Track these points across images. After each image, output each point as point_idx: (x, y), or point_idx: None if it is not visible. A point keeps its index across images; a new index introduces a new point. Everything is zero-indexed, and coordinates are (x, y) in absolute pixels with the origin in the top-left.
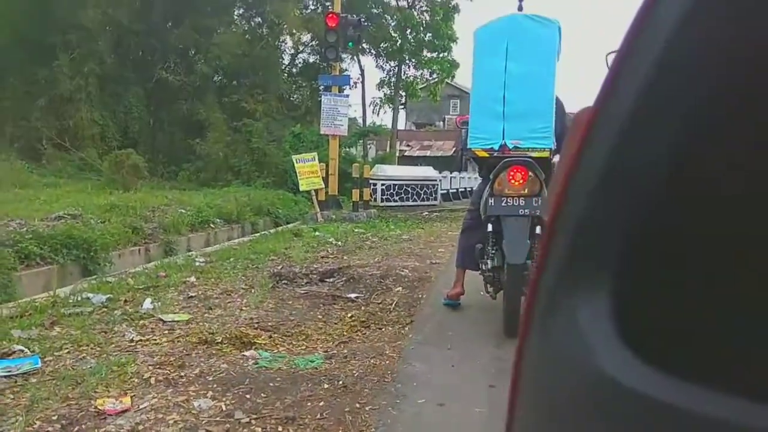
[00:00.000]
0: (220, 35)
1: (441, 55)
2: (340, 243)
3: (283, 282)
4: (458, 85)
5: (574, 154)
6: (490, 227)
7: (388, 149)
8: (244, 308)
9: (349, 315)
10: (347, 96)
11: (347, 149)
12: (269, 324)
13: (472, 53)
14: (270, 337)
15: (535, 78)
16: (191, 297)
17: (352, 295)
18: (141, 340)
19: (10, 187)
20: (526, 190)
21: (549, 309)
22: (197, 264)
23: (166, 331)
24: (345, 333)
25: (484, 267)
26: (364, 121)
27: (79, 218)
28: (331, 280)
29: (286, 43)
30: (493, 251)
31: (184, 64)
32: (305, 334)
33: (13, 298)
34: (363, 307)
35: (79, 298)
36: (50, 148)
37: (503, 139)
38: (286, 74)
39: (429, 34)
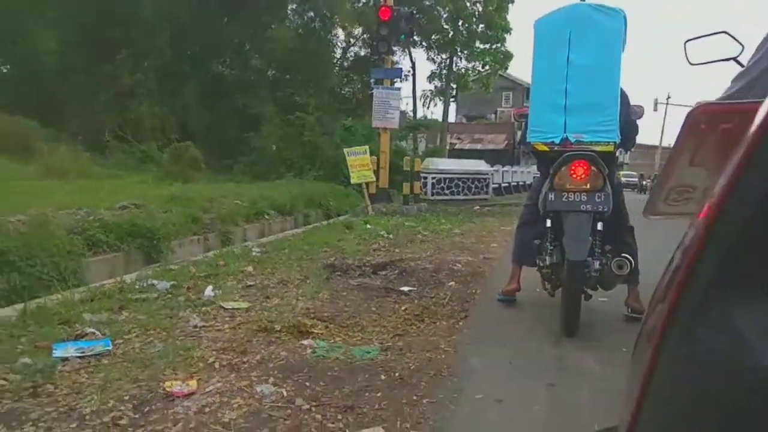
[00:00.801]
0: (273, 30)
1: (494, 46)
2: (391, 236)
3: (336, 273)
4: (511, 77)
5: (741, 163)
6: (548, 223)
7: (438, 142)
8: (300, 298)
9: (403, 308)
10: (399, 89)
11: (398, 142)
12: (325, 314)
13: (532, 45)
14: (326, 327)
15: (599, 70)
16: (249, 286)
17: (405, 289)
18: (204, 326)
19: (76, 177)
20: (588, 185)
21: (699, 309)
22: (254, 254)
23: (228, 318)
24: (399, 326)
25: (541, 263)
26: (415, 114)
27: (143, 208)
28: (384, 272)
29: (337, 37)
30: (552, 247)
31: (239, 59)
32: (360, 325)
33: (83, 283)
34: (416, 301)
35: (145, 285)
36: (112, 140)
37: (564, 132)
38: (337, 68)
39: (482, 25)
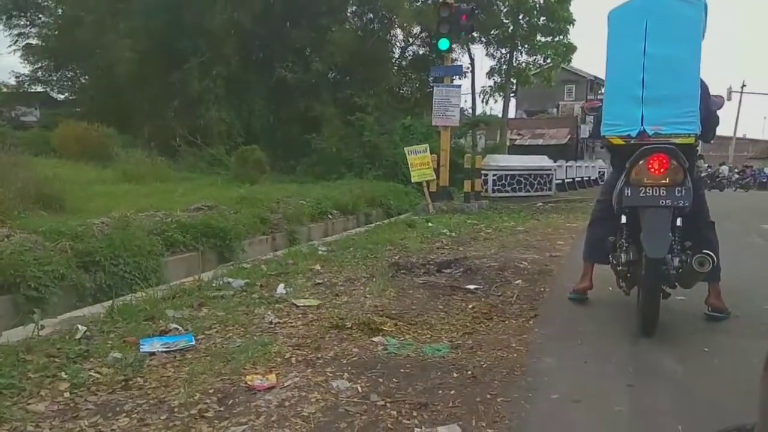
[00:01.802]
0: (334, 33)
1: (556, 39)
2: (453, 234)
3: (401, 271)
4: (574, 69)
5: None
6: (624, 219)
7: (498, 139)
8: (367, 296)
9: (470, 306)
10: (459, 86)
11: (457, 140)
12: (393, 312)
13: (606, 36)
14: (395, 324)
15: (678, 60)
16: (318, 284)
17: (471, 287)
18: (279, 323)
19: (152, 181)
20: (667, 180)
21: None
22: (320, 253)
23: (300, 315)
24: (468, 324)
25: (616, 261)
26: (474, 110)
27: (215, 209)
28: (449, 270)
29: (396, 37)
30: (627, 244)
31: (301, 62)
32: (428, 323)
33: (162, 281)
34: (483, 299)
35: (221, 283)
36: (183, 145)
37: (642, 125)
38: (396, 67)
39: (543, 18)
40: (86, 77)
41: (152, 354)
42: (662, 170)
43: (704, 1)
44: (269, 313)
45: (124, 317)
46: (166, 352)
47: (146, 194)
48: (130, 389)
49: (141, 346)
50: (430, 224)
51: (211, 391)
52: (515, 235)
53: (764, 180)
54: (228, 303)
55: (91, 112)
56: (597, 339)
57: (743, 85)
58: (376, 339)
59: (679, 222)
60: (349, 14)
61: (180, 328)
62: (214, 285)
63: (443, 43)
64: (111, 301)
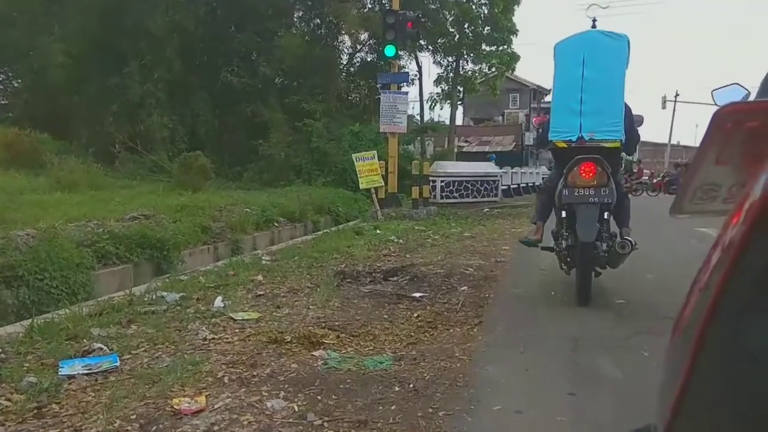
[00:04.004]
0: (281, 38)
1: (500, 48)
2: (401, 241)
3: (347, 281)
4: (518, 78)
5: None
6: (564, 214)
7: (446, 145)
8: (310, 307)
9: (415, 315)
10: (406, 93)
11: (405, 146)
12: (336, 323)
13: (553, 63)
14: (338, 336)
15: (607, 82)
16: (259, 295)
17: (417, 295)
18: (213, 339)
19: (87, 189)
20: (595, 182)
21: (741, 310)
22: (263, 262)
23: (237, 330)
24: (412, 334)
25: (558, 248)
26: (422, 117)
27: (152, 218)
28: (395, 278)
29: (344, 43)
30: (567, 233)
31: (248, 67)
32: (372, 334)
33: (92, 296)
34: (428, 307)
35: (154, 297)
36: (123, 151)
37: (580, 132)
38: (344, 74)
39: (488, 28)
40: (19, 81)
41: (72, 377)
42: (591, 175)
43: (627, 38)
44: (204, 328)
45: (45, 337)
46: (87, 374)
47: (80, 203)
48: (43, 417)
49: (60, 369)
50: (378, 231)
51: (133, 416)
52: (462, 241)
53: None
54: (160, 319)
55: (25, 117)
56: (539, 345)
57: (677, 95)
58: (316, 353)
59: (606, 215)
60: (295, 19)
61: (104, 347)
62: (146, 299)
63: (389, 50)
64: (31, 319)
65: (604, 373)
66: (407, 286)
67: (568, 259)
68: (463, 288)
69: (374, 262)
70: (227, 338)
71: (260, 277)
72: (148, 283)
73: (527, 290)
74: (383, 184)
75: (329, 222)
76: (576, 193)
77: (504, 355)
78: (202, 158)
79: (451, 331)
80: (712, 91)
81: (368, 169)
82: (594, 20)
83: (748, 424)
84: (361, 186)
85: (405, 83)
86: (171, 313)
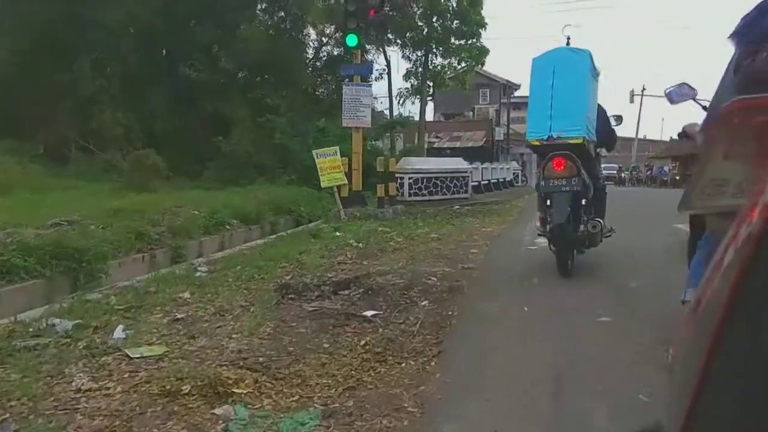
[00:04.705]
0: (243, 31)
1: (469, 42)
2: (361, 245)
3: (289, 296)
4: (488, 74)
5: None
6: (548, 202)
7: (416, 141)
8: (234, 335)
9: (362, 342)
10: (370, 85)
11: (373, 142)
12: (260, 359)
13: (530, 74)
14: (256, 381)
15: (572, 89)
16: (177, 320)
17: (369, 313)
18: (90, 390)
19: (23, 191)
20: (566, 174)
21: (757, 308)
22: (198, 274)
23: (127, 375)
24: (353, 372)
25: (543, 230)
26: (391, 113)
27: (78, 225)
28: (346, 292)
29: (309, 37)
30: (550, 218)
31: (208, 61)
32: (302, 374)
33: None
34: (381, 329)
35: (43, 325)
36: (75, 150)
37: (550, 132)
38: (310, 68)
39: (456, 21)
40: None
41: None
42: (562, 168)
43: (589, 53)
44: (83, 374)
45: None
46: None
47: (6, 208)
48: None
49: None
50: (337, 233)
51: None
52: (427, 243)
53: (664, 178)
54: (37, 358)
55: None
56: (509, 387)
57: (643, 89)
58: (219, 410)
59: (583, 202)
60: (258, 11)
61: None
62: (31, 330)
63: (351, 39)
64: None
65: (594, 425)
66: (359, 302)
67: (550, 240)
68: (423, 303)
69: (326, 272)
70: (109, 388)
71: (187, 295)
72: (48, 305)
73: (496, 305)
74: (346, 182)
75: (290, 223)
76: (551, 184)
77: (465, 405)
78: (154, 156)
79: (404, 365)
80: (665, 91)
81: (330, 166)
82: (568, 38)
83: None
84: (323, 184)
85: (369, 75)
86: (54, 349)
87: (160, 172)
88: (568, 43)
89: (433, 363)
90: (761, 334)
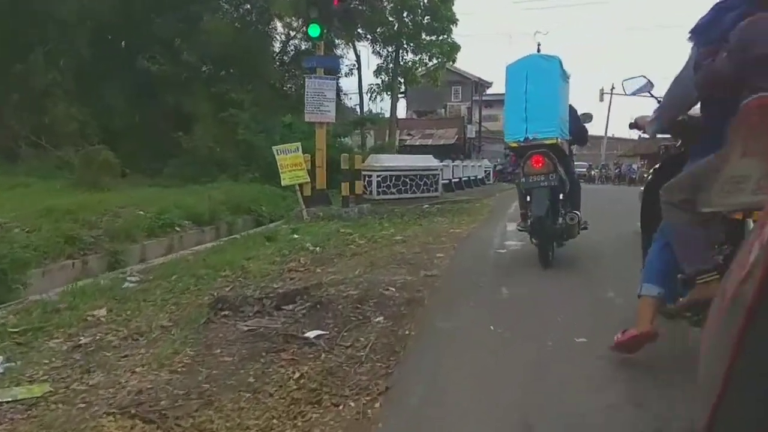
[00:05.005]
0: (206, 23)
1: (441, 38)
2: (318, 249)
3: (223, 313)
4: (460, 71)
5: None
6: (528, 198)
7: (387, 138)
8: (140, 368)
9: (297, 375)
10: (334, 79)
11: (341, 139)
12: (161, 403)
13: (505, 81)
14: None
15: (544, 94)
16: (78, 346)
17: (313, 335)
18: None
19: None
20: (544, 170)
21: None
22: (126, 285)
23: None
24: (276, 420)
25: (524, 225)
26: (362, 109)
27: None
28: (291, 307)
29: (276, 30)
30: (530, 213)
31: (169, 54)
32: (205, 428)
33: None
34: (323, 355)
35: None
36: (26, 146)
37: (526, 133)
38: (278, 63)
39: (427, 17)
40: None
41: None
42: (540, 165)
43: (558, 59)
44: None
45: None
46: None
47: None
48: None
49: None
50: (295, 236)
51: None
52: (391, 246)
53: (633, 176)
54: None
55: None
56: None
57: (613, 88)
58: None
59: (561, 197)
60: (223, 3)
61: None
62: None
63: (314, 30)
64: None
65: None
66: (304, 319)
67: (531, 233)
68: (378, 319)
69: (273, 281)
70: None
71: (102, 312)
72: None
73: (458, 323)
74: (309, 180)
75: (249, 224)
76: (531, 180)
77: None
78: (106, 152)
79: (341, 408)
80: (622, 81)
81: (292, 164)
82: (539, 44)
83: None
84: (284, 182)
85: (335, 68)
86: None
87: (113, 169)
88: (538, 50)
89: (377, 405)
90: None
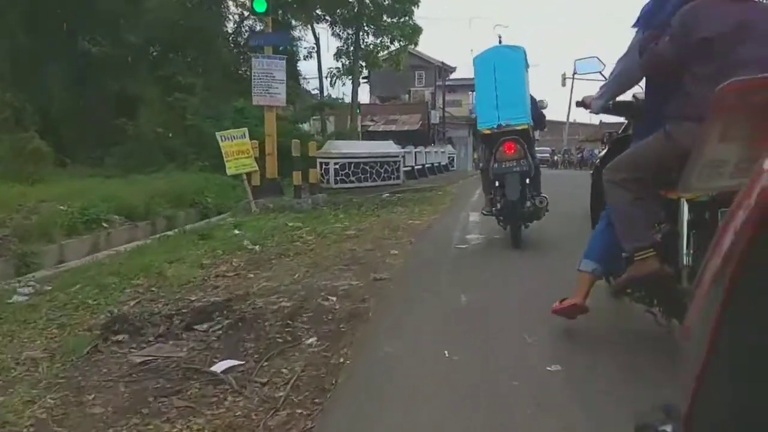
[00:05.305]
0: (150, 1)
1: (402, 20)
2: (257, 247)
3: (117, 338)
4: (423, 56)
5: None
6: (497, 183)
7: (348, 124)
8: None
9: None
10: (283, 58)
11: (298, 125)
12: None
13: (473, 71)
14: None
15: (512, 82)
16: None
17: (222, 367)
18: None
19: None
20: (516, 156)
21: (758, 288)
22: (15, 299)
23: None
24: None
25: (494, 210)
26: (321, 93)
27: None
28: (205, 326)
29: (228, 9)
30: (500, 198)
31: (112, 35)
32: None
33: None
34: (229, 399)
35: None
36: None
37: (498, 120)
38: (232, 45)
39: None
40: None
41: None
42: (512, 151)
43: (523, 49)
44: None
45: None
46: None
47: None
48: None
49: None
50: (236, 231)
51: None
52: (340, 243)
53: (595, 161)
54: None
55: None
56: None
57: (574, 72)
58: None
59: (527, 181)
60: None
61: None
62: None
63: (259, 4)
64: None
65: None
66: (218, 344)
67: (501, 217)
68: (309, 341)
69: (191, 292)
70: None
71: None
72: None
73: (405, 346)
74: (257, 168)
75: (193, 217)
76: (503, 166)
77: None
78: (37, 140)
79: None
80: (575, 61)
81: (237, 151)
82: (500, 36)
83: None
84: (229, 171)
85: (284, 45)
86: None
87: (44, 158)
88: (500, 41)
89: None
90: (763, 316)
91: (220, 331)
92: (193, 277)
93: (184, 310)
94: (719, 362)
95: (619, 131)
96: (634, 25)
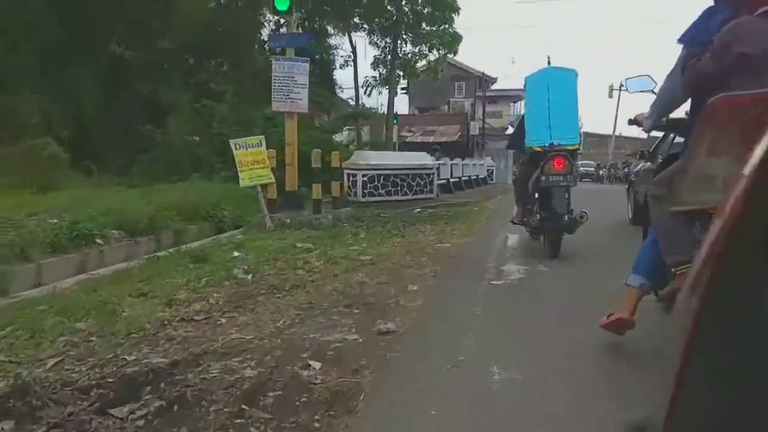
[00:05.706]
0: (181, 1)
1: (441, 28)
2: (249, 277)
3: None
4: (463, 66)
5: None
6: (536, 195)
7: (384, 134)
8: None
9: None
10: (307, 60)
11: (329, 134)
12: None
13: (525, 91)
14: None
15: (565, 103)
16: None
17: None
18: None
19: None
20: (564, 171)
21: (732, 297)
22: None
23: None
24: None
25: (532, 222)
26: (357, 103)
27: None
28: (126, 409)
29: (265, 16)
30: (539, 210)
31: (142, 38)
32: None
33: None
34: None
35: None
36: None
37: (550, 139)
38: (267, 52)
39: (428, 8)
40: None
41: None
42: (561, 166)
43: (575, 71)
44: None
45: None
46: None
47: None
48: None
49: None
50: (236, 253)
51: None
52: (352, 271)
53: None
54: None
55: None
56: None
57: (621, 85)
58: None
59: (567, 196)
60: None
61: None
62: None
63: (281, 2)
64: None
65: None
66: None
67: (536, 229)
68: None
69: (134, 347)
70: None
71: None
72: None
73: None
74: (273, 179)
75: (207, 231)
76: (551, 179)
77: None
78: (53, 146)
79: None
80: (625, 80)
81: (252, 161)
82: (549, 58)
83: (742, 408)
84: (242, 183)
85: (306, 47)
86: None
87: (59, 165)
88: (548, 62)
89: None
90: (735, 324)
91: (143, 420)
92: (149, 322)
93: (109, 380)
94: (695, 367)
95: (650, 148)
96: (680, 41)
